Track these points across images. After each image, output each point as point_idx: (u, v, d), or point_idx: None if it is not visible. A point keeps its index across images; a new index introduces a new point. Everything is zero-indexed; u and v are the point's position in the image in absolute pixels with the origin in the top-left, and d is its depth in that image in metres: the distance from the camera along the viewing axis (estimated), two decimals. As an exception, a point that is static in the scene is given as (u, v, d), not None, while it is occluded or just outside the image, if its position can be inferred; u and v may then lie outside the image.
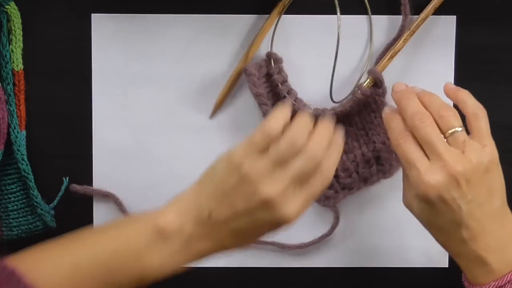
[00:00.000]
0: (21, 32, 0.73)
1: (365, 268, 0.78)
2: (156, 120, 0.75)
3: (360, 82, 0.74)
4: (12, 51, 0.73)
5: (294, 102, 0.73)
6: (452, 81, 0.75)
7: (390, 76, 0.75)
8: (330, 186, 0.74)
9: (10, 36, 0.73)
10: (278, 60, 0.74)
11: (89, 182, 0.76)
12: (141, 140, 0.76)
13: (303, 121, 0.62)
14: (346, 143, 0.73)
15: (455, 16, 0.75)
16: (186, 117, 0.75)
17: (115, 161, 0.76)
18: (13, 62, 0.73)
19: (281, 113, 0.61)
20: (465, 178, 0.62)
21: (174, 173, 0.76)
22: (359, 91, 0.73)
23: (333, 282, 0.78)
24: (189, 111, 0.75)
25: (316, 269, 0.77)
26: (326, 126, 0.63)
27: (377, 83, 0.73)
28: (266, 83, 0.73)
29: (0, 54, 0.73)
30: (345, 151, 0.74)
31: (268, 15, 0.74)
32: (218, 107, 0.75)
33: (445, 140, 0.64)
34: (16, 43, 0.73)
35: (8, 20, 0.73)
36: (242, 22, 0.74)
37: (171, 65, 0.75)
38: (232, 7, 0.74)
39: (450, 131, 0.64)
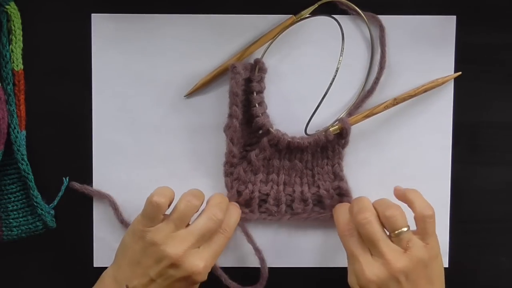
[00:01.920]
0: (21, 32, 0.73)
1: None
2: (156, 120, 0.76)
3: (329, 125, 0.75)
4: (12, 51, 0.73)
5: (261, 115, 0.73)
6: (452, 81, 0.75)
7: (391, 75, 0.75)
8: (249, 205, 0.76)
9: (10, 36, 0.73)
10: (262, 70, 0.74)
11: (89, 182, 0.76)
12: (141, 140, 0.76)
13: (195, 190, 0.70)
14: (288, 175, 0.75)
15: (455, 16, 0.75)
16: (186, 117, 0.75)
17: (115, 161, 0.76)
18: (13, 62, 0.73)
19: (164, 189, 0.69)
20: (405, 275, 0.67)
21: (174, 173, 0.76)
22: (323, 133, 0.73)
23: (334, 282, 0.78)
24: (188, 111, 0.75)
25: (317, 269, 0.77)
26: (219, 195, 0.72)
27: (342, 134, 0.74)
28: (243, 86, 0.73)
29: (0, 54, 0.73)
30: (285, 183, 0.75)
31: (271, 16, 0.74)
32: (196, 90, 0.75)
33: (390, 238, 0.68)
34: (16, 43, 0.73)
35: (8, 20, 0.73)
36: (242, 22, 0.74)
37: (171, 65, 0.75)
38: (232, 7, 0.74)
39: (396, 232, 0.68)
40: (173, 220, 0.68)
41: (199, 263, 0.68)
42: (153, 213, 0.68)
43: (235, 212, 0.73)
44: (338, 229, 0.72)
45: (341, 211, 0.72)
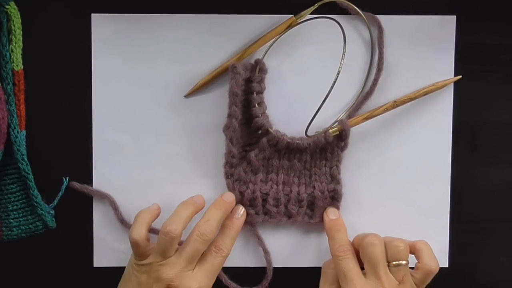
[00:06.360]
0: (21, 32, 0.73)
1: (365, 268, 0.78)
2: (156, 120, 0.76)
3: (328, 127, 0.75)
4: (12, 51, 0.73)
5: (260, 115, 0.74)
6: (452, 82, 0.75)
7: (391, 76, 0.75)
8: (253, 206, 0.75)
9: (10, 36, 0.73)
10: (263, 70, 0.74)
11: (89, 182, 0.76)
12: (141, 140, 0.76)
13: (175, 213, 0.71)
14: (287, 175, 0.76)
15: (455, 16, 0.75)
16: (186, 117, 0.75)
17: (114, 161, 0.76)
18: (13, 62, 0.73)
19: (136, 223, 0.71)
20: None
21: (174, 173, 0.76)
22: (323, 135, 0.73)
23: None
24: (188, 111, 0.75)
25: (317, 268, 0.77)
26: (213, 209, 0.72)
27: (342, 136, 0.74)
28: (243, 86, 0.73)
29: (0, 54, 0.73)
30: (284, 183, 0.75)
31: (271, 16, 0.74)
32: (195, 90, 0.75)
33: (388, 266, 0.71)
34: (16, 43, 0.73)
35: (8, 20, 0.73)
36: (242, 22, 0.74)
37: (171, 65, 0.75)
38: (233, 7, 0.74)
39: (395, 262, 0.71)
40: (158, 252, 0.70)
41: (193, 284, 0.69)
42: (133, 247, 0.71)
43: (232, 229, 0.73)
44: (332, 246, 0.72)
45: (340, 229, 0.73)
